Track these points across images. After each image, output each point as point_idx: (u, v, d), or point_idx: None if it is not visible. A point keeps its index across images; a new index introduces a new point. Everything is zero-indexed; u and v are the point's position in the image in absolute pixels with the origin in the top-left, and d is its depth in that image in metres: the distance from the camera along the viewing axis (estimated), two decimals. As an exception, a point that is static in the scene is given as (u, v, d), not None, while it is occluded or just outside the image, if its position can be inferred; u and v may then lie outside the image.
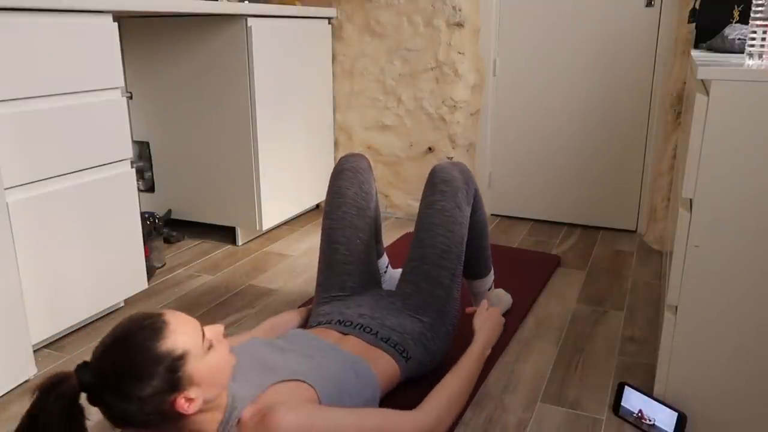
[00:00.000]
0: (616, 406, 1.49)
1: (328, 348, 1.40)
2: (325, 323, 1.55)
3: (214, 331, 1.13)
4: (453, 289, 1.59)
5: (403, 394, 1.53)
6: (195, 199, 2.70)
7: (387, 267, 2.06)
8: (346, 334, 1.51)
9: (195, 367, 1.05)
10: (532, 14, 2.75)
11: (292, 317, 1.70)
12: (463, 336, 1.81)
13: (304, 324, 1.72)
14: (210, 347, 1.09)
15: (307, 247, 2.65)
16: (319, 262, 1.70)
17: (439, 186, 1.63)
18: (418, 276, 1.59)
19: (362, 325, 1.52)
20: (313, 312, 1.66)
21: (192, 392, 1.05)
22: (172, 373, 1.02)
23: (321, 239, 1.70)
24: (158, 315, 1.06)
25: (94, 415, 1.51)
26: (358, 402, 1.31)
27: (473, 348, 1.50)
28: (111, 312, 2.03)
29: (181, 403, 1.04)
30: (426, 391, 1.53)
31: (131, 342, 1.01)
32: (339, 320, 1.55)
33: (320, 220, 3.03)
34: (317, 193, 3.01)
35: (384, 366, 1.44)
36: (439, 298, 1.57)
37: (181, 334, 1.05)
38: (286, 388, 1.21)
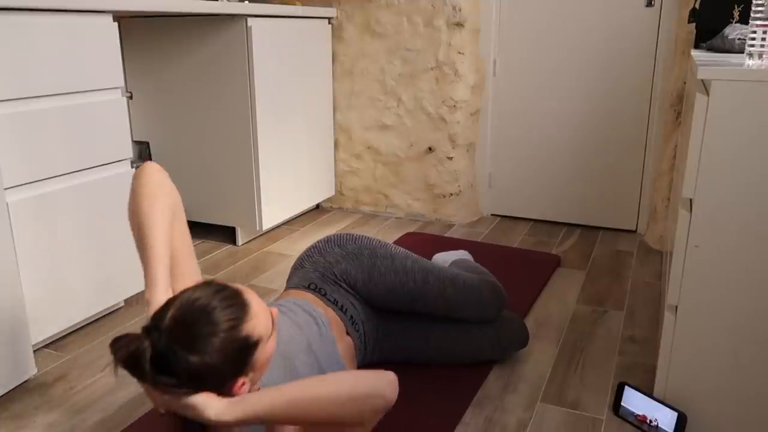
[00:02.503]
0: (616, 406, 1.49)
1: (308, 312, 1.42)
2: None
3: (274, 315, 1.09)
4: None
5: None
6: (195, 199, 2.70)
7: None
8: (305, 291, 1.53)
9: (261, 353, 1.03)
10: (532, 14, 2.75)
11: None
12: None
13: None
14: (272, 333, 1.07)
15: (307, 247, 2.65)
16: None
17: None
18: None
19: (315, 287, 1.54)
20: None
21: (250, 376, 1.03)
22: (244, 358, 1.00)
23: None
24: (240, 293, 1.02)
25: (94, 415, 1.51)
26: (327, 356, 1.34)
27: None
28: (111, 312, 2.03)
29: (238, 387, 1.02)
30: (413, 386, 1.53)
31: (214, 318, 0.97)
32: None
33: (320, 219, 3.03)
34: (317, 193, 3.01)
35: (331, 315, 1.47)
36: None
37: (260, 319, 1.03)
38: None
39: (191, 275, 1.20)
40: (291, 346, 1.30)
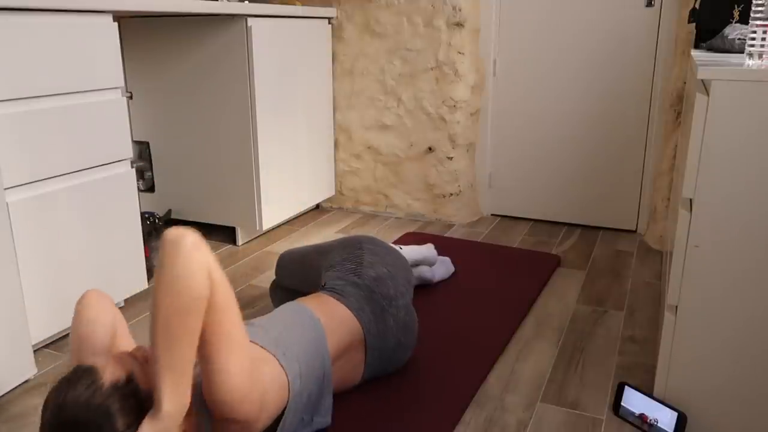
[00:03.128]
0: (616, 406, 1.49)
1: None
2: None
3: (136, 351, 1.10)
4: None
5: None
6: (195, 199, 2.70)
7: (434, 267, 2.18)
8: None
9: (143, 382, 1.04)
10: (532, 14, 2.75)
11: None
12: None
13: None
14: (145, 357, 1.08)
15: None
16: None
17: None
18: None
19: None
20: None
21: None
22: (131, 394, 1.00)
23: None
24: (78, 368, 1.01)
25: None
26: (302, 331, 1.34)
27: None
28: (111, 312, 2.03)
29: None
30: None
31: (74, 402, 0.96)
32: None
33: (320, 219, 3.03)
34: (317, 193, 3.01)
35: (326, 302, 1.47)
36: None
37: (112, 365, 1.02)
38: None
39: None
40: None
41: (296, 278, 1.81)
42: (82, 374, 0.98)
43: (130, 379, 1.01)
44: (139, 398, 1.00)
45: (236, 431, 1.14)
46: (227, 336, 1.06)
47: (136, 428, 0.98)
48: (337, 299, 1.49)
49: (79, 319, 1.18)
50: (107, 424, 0.95)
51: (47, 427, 0.96)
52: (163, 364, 0.98)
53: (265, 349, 1.25)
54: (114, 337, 1.19)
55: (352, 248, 1.65)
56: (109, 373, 0.99)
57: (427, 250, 2.15)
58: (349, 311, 1.47)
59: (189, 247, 1.03)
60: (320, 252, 1.74)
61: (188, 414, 1.07)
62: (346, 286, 1.53)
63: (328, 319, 1.42)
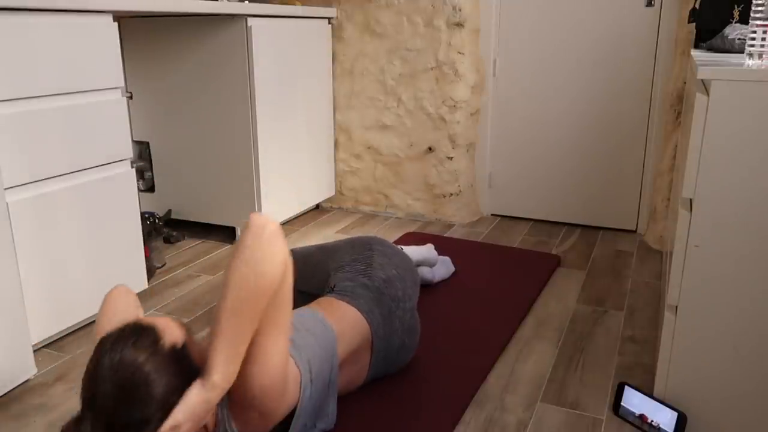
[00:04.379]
0: (616, 406, 1.49)
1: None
2: None
3: (180, 323, 1.13)
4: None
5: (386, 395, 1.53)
6: (195, 199, 2.70)
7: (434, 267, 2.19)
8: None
9: (194, 352, 1.07)
10: (532, 14, 2.75)
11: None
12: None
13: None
14: (191, 337, 1.11)
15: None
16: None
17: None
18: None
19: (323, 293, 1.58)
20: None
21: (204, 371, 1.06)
22: (186, 362, 1.04)
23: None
24: (138, 322, 1.04)
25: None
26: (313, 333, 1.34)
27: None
28: (111, 312, 2.03)
29: None
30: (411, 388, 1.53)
31: (136, 350, 0.98)
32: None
33: (320, 219, 3.03)
34: (317, 193, 3.01)
35: (337, 307, 1.46)
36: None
37: (171, 329, 1.05)
38: None
39: None
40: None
41: (302, 277, 1.81)
42: (142, 332, 1.00)
43: (185, 344, 1.04)
44: (189, 364, 1.03)
45: (253, 420, 1.14)
46: (279, 325, 1.09)
47: (182, 392, 1.00)
48: (348, 302, 1.48)
49: (104, 312, 1.20)
50: (159, 384, 0.97)
51: (96, 378, 0.96)
52: (225, 338, 1.01)
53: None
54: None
55: (362, 249, 1.65)
56: (169, 335, 1.02)
57: (428, 251, 2.15)
58: (359, 314, 1.46)
59: (274, 234, 1.05)
60: (326, 252, 1.74)
61: None
62: (356, 288, 1.52)
63: (340, 324, 1.42)
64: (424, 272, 2.12)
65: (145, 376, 0.96)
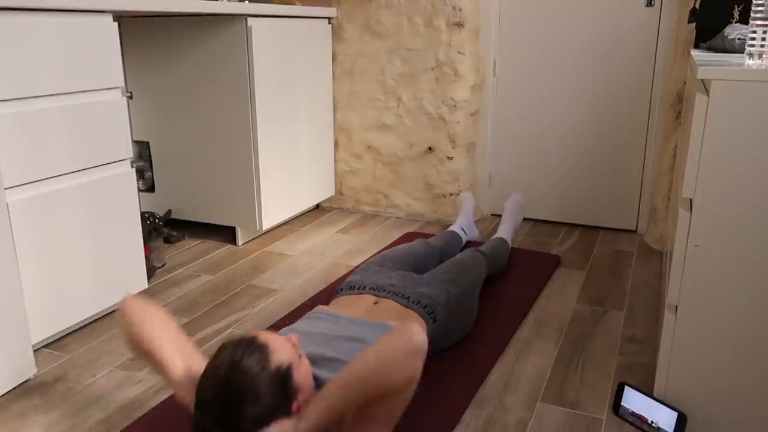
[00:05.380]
0: (616, 406, 1.49)
1: (362, 325, 1.50)
2: (358, 289, 1.73)
3: (293, 341, 1.21)
4: (478, 281, 1.90)
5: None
6: (195, 199, 2.70)
7: (465, 232, 2.48)
8: (381, 298, 1.68)
9: (297, 375, 1.15)
10: (532, 14, 2.75)
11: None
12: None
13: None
14: (299, 356, 1.19)
15: (307, 247, 2.65)
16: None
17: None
18: (452, 264, 1.90)
19: (395, 292, 1.69)
20: (344, 282, 1.82)
21: (300, 399, 1.15)
22: (287, 386, 1.12)
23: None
24: (254, 339, 1.14)
25: (93, 415, 1.51)
26: None
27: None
28: (111, 312, 2.03)
29: (294, 410, 1.13)
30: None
31: (244, 369, 1.09)
32: (372, 287, 1.72)
33: (320, 219, 3.03)
34: (317, 193, 3.01)
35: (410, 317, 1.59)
36: (466, 280, 1.83)
37: (281, 350, 1.15)
38: None
39: (198, 362, 1.31)
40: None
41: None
42: (256, 348, 1.12)
43: (289, 368, 1.14)
44: (287, 387, 1.13)
45: None
46: (385, 419, 1.18)
47: (275, 411, 1.10)
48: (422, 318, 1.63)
49: (134, 325, 1.27)
50: (257, 401, 1.08)
51: (212, 371, 1.10)
52: (330, 394, 1.11)
53: None
54: (164, 327, 1.30)
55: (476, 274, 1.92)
56: (276, 357, 1.13)
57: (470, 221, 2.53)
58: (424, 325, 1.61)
59: (420, 351, 1.13)
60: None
61: None
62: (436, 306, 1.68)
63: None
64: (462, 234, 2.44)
65: (246, 393, 1.07)
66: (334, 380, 1.13)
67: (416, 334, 1.12)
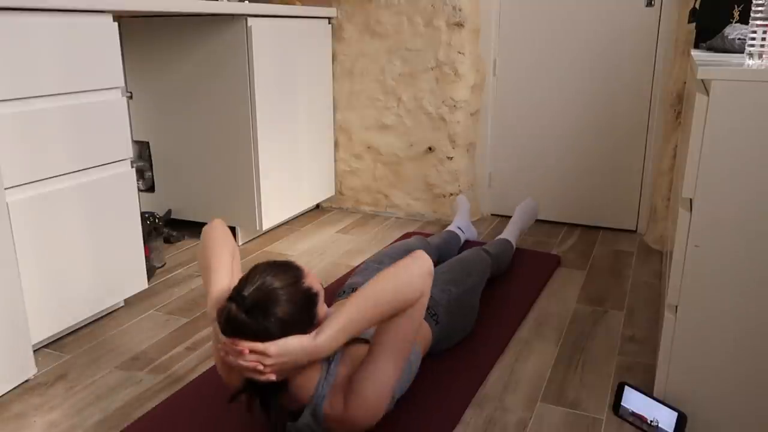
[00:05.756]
0: (616, 406, 1.49)
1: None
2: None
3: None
4: (481, 281, 1.91)
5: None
6: (195, 199, 2.70)
7: (463, 231, 2.51)
8: None
9: (320, 308, 1.23)
10: (532, 14, 2.75)
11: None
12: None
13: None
14: (323, 297, 1.26)
15: (307, 247, 2.65)
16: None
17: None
18: (455, 262, 1.90)
19: None
20: (345, 284, 1.86)
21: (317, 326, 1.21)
22: (310, 307, 1.20)
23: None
24: (291, 262, 1.24)
25: (93, 415, 1.51)
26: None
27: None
28: (111, 312, 2.03)
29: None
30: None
31: (280, 279, 1.18)
32: None
33: (320, 219, 3.03)
34: (317, 193, 3.01)
35: (421, 331, 1.59)
36: (470, 279, 1.84)
37: (313, 278, 1.24)
38: (361, 350, 1.36)
39: None
40: None
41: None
42: (291, 267, 1.22)
43: (317, 293, 1.22)
44: (311, 309, 1.20)
45: (339, 413, 1.27)
46: (395, 352, 1.27)
47: (298, 325, 1.17)
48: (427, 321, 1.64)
49: (210, 241, 1.39)
50: (285, 306, 1.16)
51: (251, 273, 1.20)
52: (346, 313, 1.18)
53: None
54: (233, 257, 1.39)
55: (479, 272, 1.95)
56: (309, 280, 1.22)
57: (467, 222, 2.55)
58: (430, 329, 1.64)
59: (429, 272, 1.28)
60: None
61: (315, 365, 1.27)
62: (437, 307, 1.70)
63: (419, 343, 1.56)
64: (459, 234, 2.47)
65: (277, 297, 1.16)
66: (351, 298, 1.20)
67: (423, 256, 1.28)
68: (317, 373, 1.27)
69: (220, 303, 1.24)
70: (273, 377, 1.17)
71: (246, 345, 1.14)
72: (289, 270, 1.21)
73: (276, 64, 2.55)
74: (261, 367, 1.15)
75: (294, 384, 1.25)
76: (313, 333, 1.18)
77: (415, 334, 1.29)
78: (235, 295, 1.17)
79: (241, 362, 1.15)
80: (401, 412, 1.47)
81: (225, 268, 1.34)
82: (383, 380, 1.25)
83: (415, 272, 1.25)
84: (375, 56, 2.92)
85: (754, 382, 1.33)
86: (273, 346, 1.15)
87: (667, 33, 2.55)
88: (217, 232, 1.40)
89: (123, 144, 1.90)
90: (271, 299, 1.16)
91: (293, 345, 1.16)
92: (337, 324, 1.18)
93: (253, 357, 1.15)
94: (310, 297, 1.20)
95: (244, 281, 1.19)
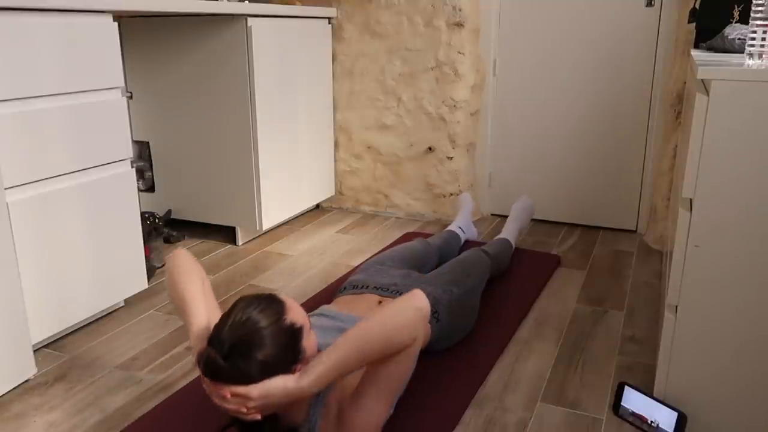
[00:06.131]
0: (616, 406, 1.49)
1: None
2: (361, 288, 1.74)
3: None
4: (481, 282, 1.92)
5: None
6: (195, 199, 2.70)
7: (464, 231, 2.51)
8: (384, 297, 1.69)
9: (306, 341, 1.18)
10: (532, 14, 2.75)
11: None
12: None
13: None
14: (309, 327, 1.22)
15: (307, 247, 2.65)
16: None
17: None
18: (456, 263, 1.91)
19: (398, 291, 1.70)
20: (347, 281, 1.83)
21: (304, 361, 1.17)
22: (295, 344, 1.15)
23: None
24: (273, 295, 1.19)
25: (94, 415, 1.51)
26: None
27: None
28: (111, 312, 2.03)
29: (297, 371, 1.15)
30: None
31: (261, 317, 1.12)
32: (375, 286, 1.73)
33: (320, 219, 3.03)
34: (317, 193, 3.01)
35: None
36: (470, 280, 1.84)
37: (296, 311, 1.19)
38: (353, 379, 1.33)
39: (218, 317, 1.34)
40: None
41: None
42: (273, 302, 1.17)
43: (301, 327, 1.17)
44: (296, 346, 1.15)
45: None
46: (386, 391, 1.24)
47: (282, 365, 1.13)
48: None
49: (177, 273, 1.32)
50: (265, 348, 1.11)
51: (231, 313, 1.14)
52: (334, 354, 1.14)
53: None
54: (203, 284, 1.34)
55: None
56: (291, 315, 1.17)
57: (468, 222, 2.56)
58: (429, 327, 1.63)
59: (424, 316, 1.22)
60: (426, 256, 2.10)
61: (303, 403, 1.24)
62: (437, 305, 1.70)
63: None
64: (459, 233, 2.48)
65: (257, 339, 1.11)
66: (340, 339, 1.15)
67: (421, 299, 1.21)
68: (306, 404, 1.25)
69: (201, 341, 1.20)
70: (258, 417, 1.14)
71: (227, 389, 1.10)
72: (271, 306, 1.15)
73: (276, 64, 2.55)
74: (244, 410, 1.12)
75: (284, 415, 1.22)
76: (298, 374, 1.13)
77: (408, 375, 1.26)
78: (214, 338, 1.12)
79: (225, 405, 1.12)
80: (401, 412, 1.47)
81: (198, 299, 1.28)
82: (372, 417, 1.23)
83: (411, 317, 1.18)
84: (375, 56, 2.92)
85: (755, 382, 1.33)
86: (255, 390, 1.10)
87: (667, 33, 2.55)
88: (182, 260, 1.34)
89: (123, 144, 1.90)
90: (251, 342, 1.10)
91: (276, 387, 1.11)
92: (323, 367, 1.13)
93: (236, 400, 1.11)
94: (293, 333, 1.15)
95: (223, 322, 1.14)
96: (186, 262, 1.34)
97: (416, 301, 1.21)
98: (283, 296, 1.20)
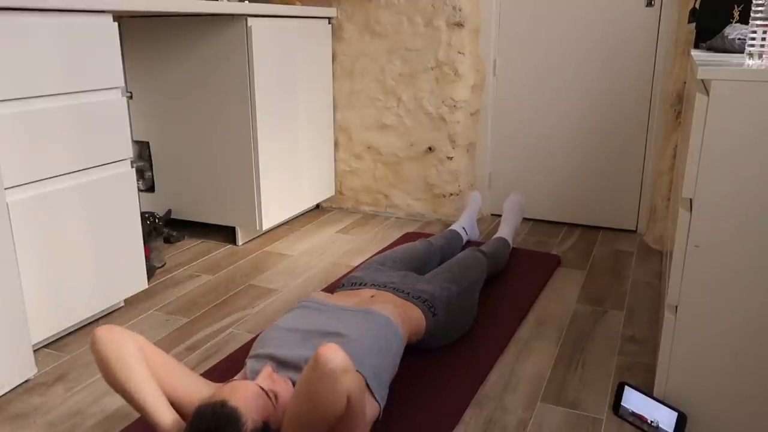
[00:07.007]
0: (616, 406, 1.49)
1: (344, 311, 1.51)
2: (359, 285, 1.74)
3: (266, 376, 1.19)
4: (478, 281, 1.92)
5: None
6: (195, 199, 2.70)
7: (466, 232, 2.51)
8: (380, 291, 1.69)
9: (276, 420, 1.15)
10: (532, 14, 2.75)
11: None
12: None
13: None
14: (276, 396, 1.16)
15: (307, 247, 2.65)
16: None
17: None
18: (453, 263, 1.92)
19: (395, 287, 1.71)
20: (346, 278, 1.82)
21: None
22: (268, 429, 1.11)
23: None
24: (225, 403, 1.08)
25: (93, 415, 1.51)
26: (388, 348, 1.42)
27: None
28: (111, 312, 2.03)
29: None
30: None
31: None
32: (373, 283, 1.74)
33: (320, 219, 3.03)
34: (317, 193, 3.01)
35: (413, 316, 1.61)
36: (467, 279, 1.85)
37: (253, 409, 1.10)
38: None
39: (190, 387, 1.26)
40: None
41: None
42: (227, 418, 1.06)
43: (266, 423, 1.12)
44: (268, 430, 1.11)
45: None
46: None
47: None
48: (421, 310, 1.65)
49: (109, 363, 1.19)
50: None
51: None
52: None
53: (364, 378, 1.30)
54: (142, 356, 1.22)
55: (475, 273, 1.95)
56: (251, 422, 1.08)
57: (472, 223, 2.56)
58: (423, 319, 1.64)
59: (337, 371, 1.06)
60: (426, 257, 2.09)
61: None
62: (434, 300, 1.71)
63: (405, 326, 1.56)
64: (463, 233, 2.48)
65: None
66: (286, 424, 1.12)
67: (329, 359, 1.06)
68: None
69: None
70: None
71: None
72: (227, 424, 1.06)
73: (276, 64, 2.55)
74: None
75: None
76: None
77: (366, 426, 1.21)
78: None
79: None
80: (401, 411, 1.47)
81: (151, 392, 1.17)
82: None
83: (325, 387, 1.06)
84: (375, 56, 2.92)
85: (754, 382, 1.33)
86: None
87: (667, 33, 2.55)
88: (112, 346, 1.18)
89: (123, 144, 1.90)
90: None
91: None
92: None
93: None
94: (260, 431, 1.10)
95: None
96: (116, 348, 1.19)
97: (324, 366, 1.06)
98: (233, 401, 1.10)
